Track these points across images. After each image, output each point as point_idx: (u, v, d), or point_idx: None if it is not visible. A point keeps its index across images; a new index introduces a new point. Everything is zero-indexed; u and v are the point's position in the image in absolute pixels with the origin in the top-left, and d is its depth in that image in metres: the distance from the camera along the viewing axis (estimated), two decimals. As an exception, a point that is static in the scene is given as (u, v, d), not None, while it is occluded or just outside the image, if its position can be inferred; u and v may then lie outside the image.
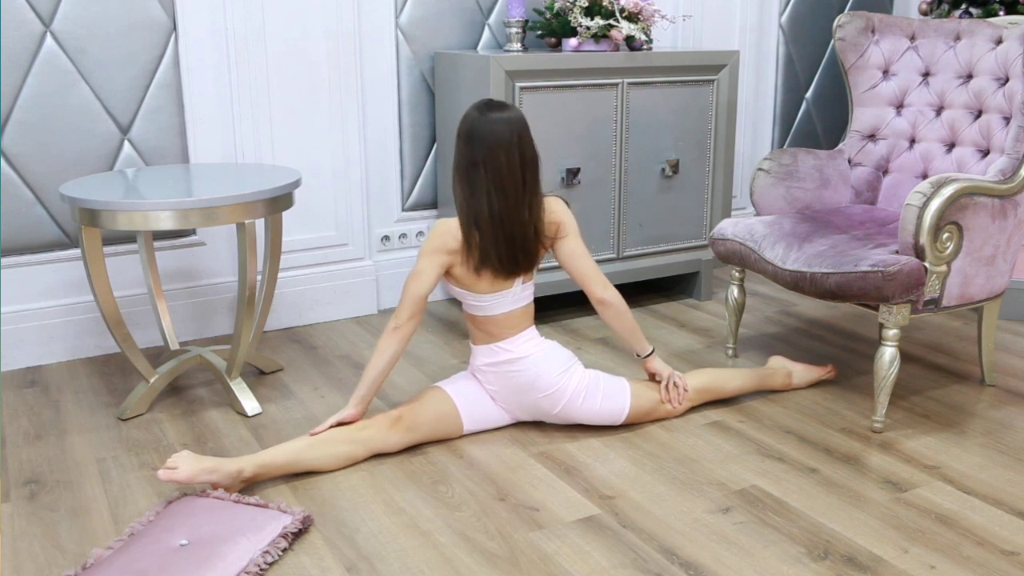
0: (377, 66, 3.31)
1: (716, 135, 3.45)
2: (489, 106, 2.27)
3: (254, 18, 3.03)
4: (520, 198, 2.25)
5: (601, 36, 3.18)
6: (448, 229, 2.28)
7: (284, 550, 1.90)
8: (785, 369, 2.72)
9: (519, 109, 2.29)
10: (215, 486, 2.08)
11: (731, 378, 2.62)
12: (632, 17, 3.22)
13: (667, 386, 2.49)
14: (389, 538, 1.96)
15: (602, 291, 2.40)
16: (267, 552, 1.86)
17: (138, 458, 2.32)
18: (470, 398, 2.41)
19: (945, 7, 3.49)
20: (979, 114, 2.86)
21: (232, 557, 1.82)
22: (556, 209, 2.34)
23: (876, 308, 2.44)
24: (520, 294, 2.35)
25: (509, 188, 2.23)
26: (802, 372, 2.74)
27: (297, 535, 1.96)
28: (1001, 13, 3.34)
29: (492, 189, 2.22)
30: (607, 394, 2.41)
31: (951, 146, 2.94)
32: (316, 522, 2.02)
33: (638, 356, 2.49)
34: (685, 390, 2.50)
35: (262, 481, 2.18)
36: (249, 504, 2.02)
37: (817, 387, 2.75)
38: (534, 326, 2.40)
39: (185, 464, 2.05)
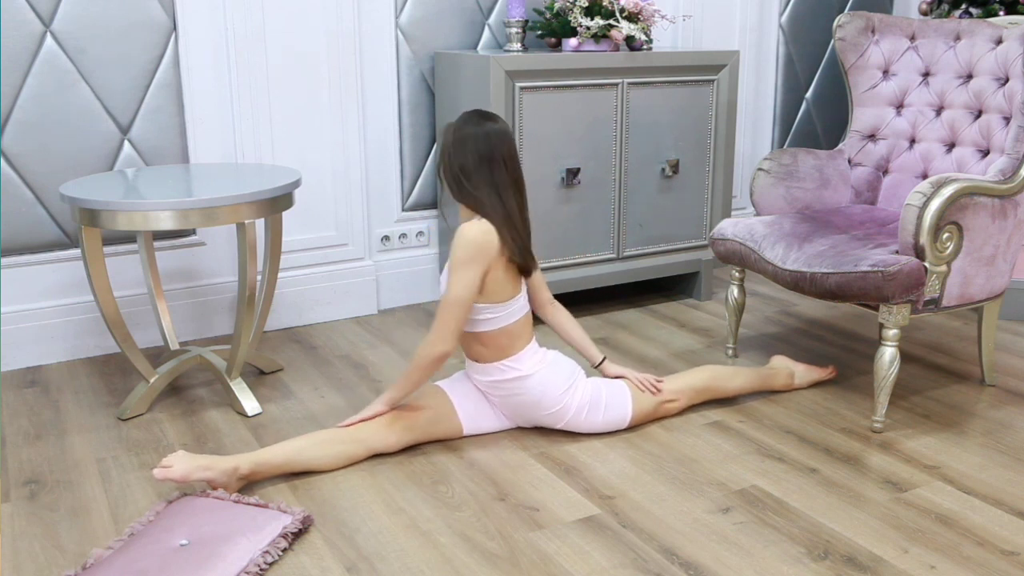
0: (377, 66, 3.30)
1: (716, 135, 3.45)
2: (484, 116, 2.29)
3: (254, 18, 3.03)
4: (524, 194, 2.32)
5: (601, 36, 3.18)
6: (486, 229, 2.21)
7: (284, 550, 1.90)
8: (788, 369, 2.72)
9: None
10: (211, 484, 2.08)
11: (732, 377, 2.62)
12: (632, 17, 3.22)
13: (641, 381, 2.49)
14: (389, 538, 1.96)
15: (551, 297, 2.54)
16: (267, 552, 1.86)
17: (138, 458, 2.32)
18: (469, 402, 2.40)
19: (945, 7, 3.49)
20: (979, 114, 2.86)
21: (232, 557, 1.82)
22: None
23: (876, 308, 2.44)
24: (525, 297, 2.37)
25: (520, 183, 2.30)
26: (804, 372, 2.74)
27: (297, 535, 1.96)
28: (1001, 13, 3.34)
29: (512, 183, 2.26)
30: (609, 405, 2.41)
31: (951, 146, 2.94)
32: (316, 522, 2.02)
33: (594, 366, 2.54)
34: (659, 380, 2.52)
35: (260, 480, 2.18)
36: (249, 504, 2.02)
37: (817, 387, 2.75)
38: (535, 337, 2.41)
39: (180, 463, 2.05)
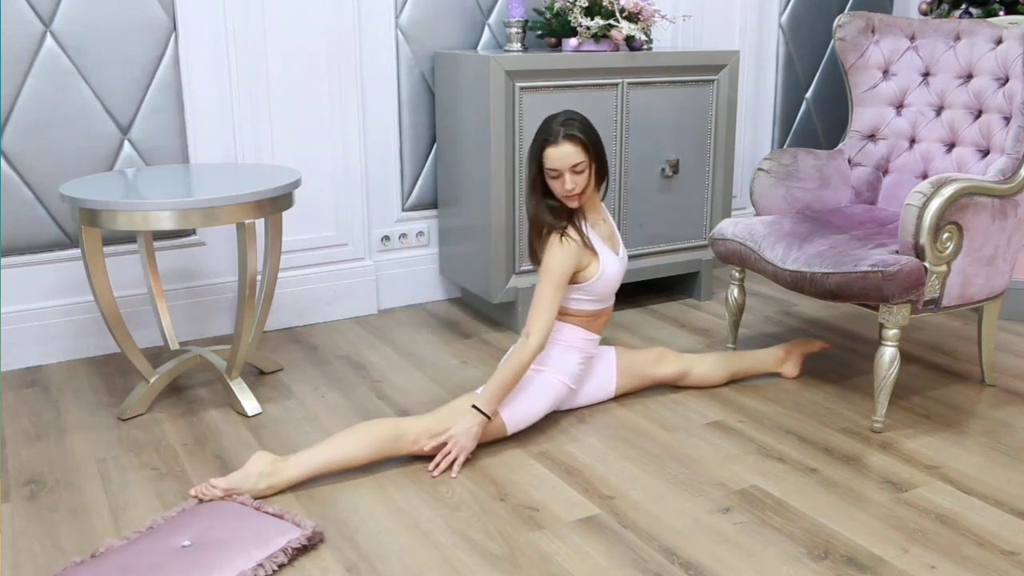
0: (377, 66, 3.30)
1: (716, 135, 3.45)
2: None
3: (254, 18, 3.03)
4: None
5: (601, 36, 3.18)
6: None
7: (281, 565, 1.85)
8: (780, 352, 2.84)
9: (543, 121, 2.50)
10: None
11: (741, 357, 2.80)
12: (632, 17, 3.22)
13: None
14: (389, 538, 1.96)
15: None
16: (261, 565, 1.82)
17: (138, 458, 2.32)
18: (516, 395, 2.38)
19: (945, 7, 3.49)
20: (979, 114, 2.86)
21: (227, 566, 1.80)
22: None
23: (876, 308, 2.44)
24: None
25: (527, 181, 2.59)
26: (800, 344, 2.88)
27: (301, 550, 1.90)
28: (1001, 13, 3.34)
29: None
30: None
31: (951, 146, 2.94)
32: (317, 524, 2.01)
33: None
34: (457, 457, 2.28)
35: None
36: (267, 513, 2.00)
37: (817, 387, 2.75)
38: None
39: (252, 481, 2.10)
